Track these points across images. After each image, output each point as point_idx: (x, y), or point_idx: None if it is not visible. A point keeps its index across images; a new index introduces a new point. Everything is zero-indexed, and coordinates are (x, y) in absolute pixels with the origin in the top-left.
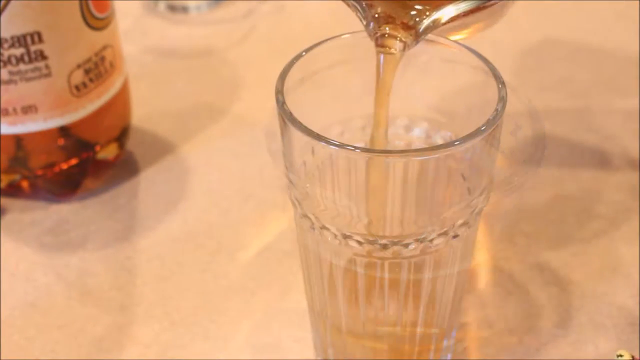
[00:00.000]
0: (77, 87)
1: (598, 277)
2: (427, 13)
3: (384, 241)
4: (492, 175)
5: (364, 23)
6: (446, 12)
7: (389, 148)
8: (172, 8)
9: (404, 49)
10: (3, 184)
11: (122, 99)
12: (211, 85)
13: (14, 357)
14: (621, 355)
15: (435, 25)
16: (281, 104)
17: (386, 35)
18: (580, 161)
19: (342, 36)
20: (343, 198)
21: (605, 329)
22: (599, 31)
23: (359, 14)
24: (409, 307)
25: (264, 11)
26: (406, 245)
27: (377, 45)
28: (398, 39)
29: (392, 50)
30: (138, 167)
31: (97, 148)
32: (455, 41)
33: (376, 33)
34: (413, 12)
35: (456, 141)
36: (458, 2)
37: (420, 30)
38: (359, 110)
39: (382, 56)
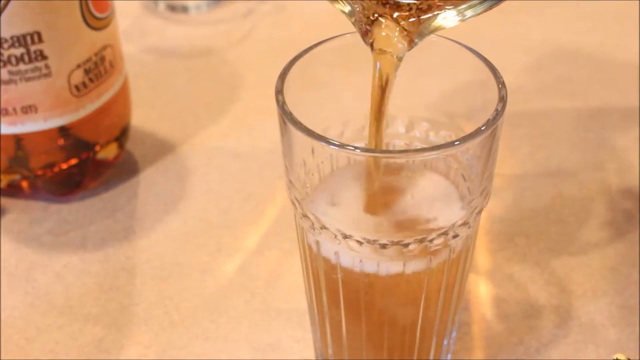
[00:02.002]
0: (77, 87)
1: (598, 277)
2: (427, 20)
3: (384, 241)
4: (492, 175)
5: (356, 25)
6: (447, 22)
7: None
8: (172, 8)
9: (401, 54)
10: (3, 184)
11: (122, 99)
12: (211, 85)
13: (14, 357)
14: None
15: (433, 31)
16: (281, 104)
17: (382, 32)
18: (580, 161)
19: (342, 36)
20: (343, 198)
21: (605, 329)
22: (599, 31)
23: (348, 16)
24: (408, 306)
25: (264, 11)
26: (406, 245)
27: (374, 48)
28: (395, 38)
29: (391, 51)
30: (138, 167)
31: (97, 148)
32: (455, 41)
33: (371, 36)
34: (410, 17)
35: (456, 141)
36: (462, 8)
37: (417, 37)
38: (359, 110)
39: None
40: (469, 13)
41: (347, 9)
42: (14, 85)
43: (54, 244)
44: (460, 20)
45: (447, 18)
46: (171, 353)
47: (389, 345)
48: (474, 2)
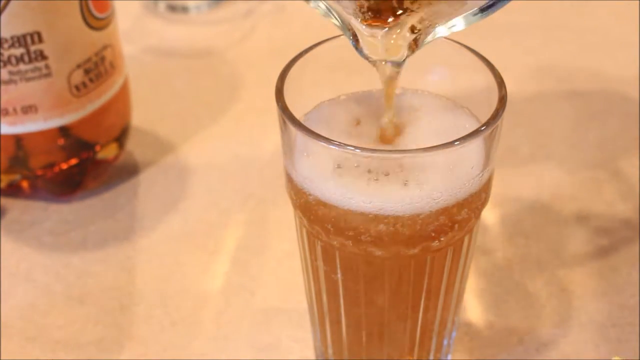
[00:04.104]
0: (77, 87)
1: (598, 277)
2: (427, 30)
3: (384, 240)
4: (492, 174)
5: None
6: (441, 31)
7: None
8: (172, 8)
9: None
10: (3, 184)
11: (122, 99)
12: (211, 85)
13: (14, 357)
14: None
15: (432, 39)
16: (281, 104)
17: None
18: (580, 161)
19: (342, 36)
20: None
21: (605, 329)
22: (599, 31)
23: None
24: (409, 307)
25: (264, 11)
26: (406, 245)
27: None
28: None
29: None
30: (138, 167)
31: (97, 148)
32: (455, 41)
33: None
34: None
35: (456, 141)
36: (464, 14)
37: (419, 45)
38: None
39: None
40: (460, 26)
41: (339, 22)
42: (14, 85)
43: (54, 244)
44: (449, 33)
45: (439, 32)
46: (171, 353)
47: (389, 345)
48: (469, 14)
